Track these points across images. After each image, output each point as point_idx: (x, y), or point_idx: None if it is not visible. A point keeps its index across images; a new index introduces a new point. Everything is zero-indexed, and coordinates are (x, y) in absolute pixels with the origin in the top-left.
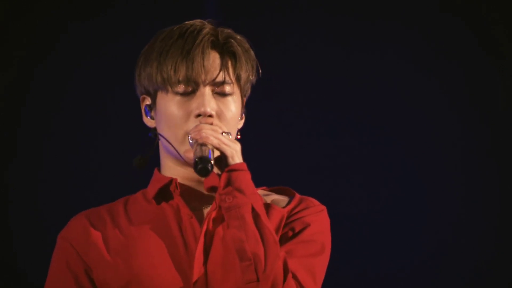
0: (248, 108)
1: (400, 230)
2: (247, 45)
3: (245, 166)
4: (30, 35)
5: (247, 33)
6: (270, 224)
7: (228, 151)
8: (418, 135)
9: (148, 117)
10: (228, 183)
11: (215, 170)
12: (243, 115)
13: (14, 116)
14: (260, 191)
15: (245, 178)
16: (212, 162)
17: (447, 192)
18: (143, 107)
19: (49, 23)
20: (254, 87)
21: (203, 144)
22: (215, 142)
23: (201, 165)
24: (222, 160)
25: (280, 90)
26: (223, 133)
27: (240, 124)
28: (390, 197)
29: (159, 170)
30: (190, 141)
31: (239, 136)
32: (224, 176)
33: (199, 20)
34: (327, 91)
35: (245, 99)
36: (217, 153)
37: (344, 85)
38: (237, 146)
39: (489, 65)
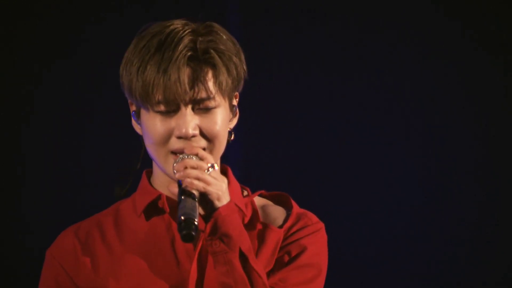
0: (248, 108)
1: (400, 230)
2: (228, 53)
3: (232, 206)
4: (30, 35)
5: (246, 34)
6: (259, 265)
7: (213, 194)
8: (418, 135)
9: (137, 123)
10: (214, 230)
11: (200, 210)
12: (237, 111)
13: (14, 116)
14: (257, 198)
15: (232, 221)
16: (196, 222)
17: (447, 192)
18: (131, 112)
19: (49, 23)
20: (255, 87)
21: (187, 192)
22: (200, 186)
23: (185, 231)
24: (208, 201)
25: (280, 90)
26: (209, 168)
27: (233, 123)
28: (390, 197)
29: (149, 173)
30: (174, 170)
31: (232, 137)
32: (210, 222)
33: (180, 23)
34: (327, 91)
35: (237, 94)
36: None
37: (344, 85)
38: (223, 185)
39: (489, 65)
